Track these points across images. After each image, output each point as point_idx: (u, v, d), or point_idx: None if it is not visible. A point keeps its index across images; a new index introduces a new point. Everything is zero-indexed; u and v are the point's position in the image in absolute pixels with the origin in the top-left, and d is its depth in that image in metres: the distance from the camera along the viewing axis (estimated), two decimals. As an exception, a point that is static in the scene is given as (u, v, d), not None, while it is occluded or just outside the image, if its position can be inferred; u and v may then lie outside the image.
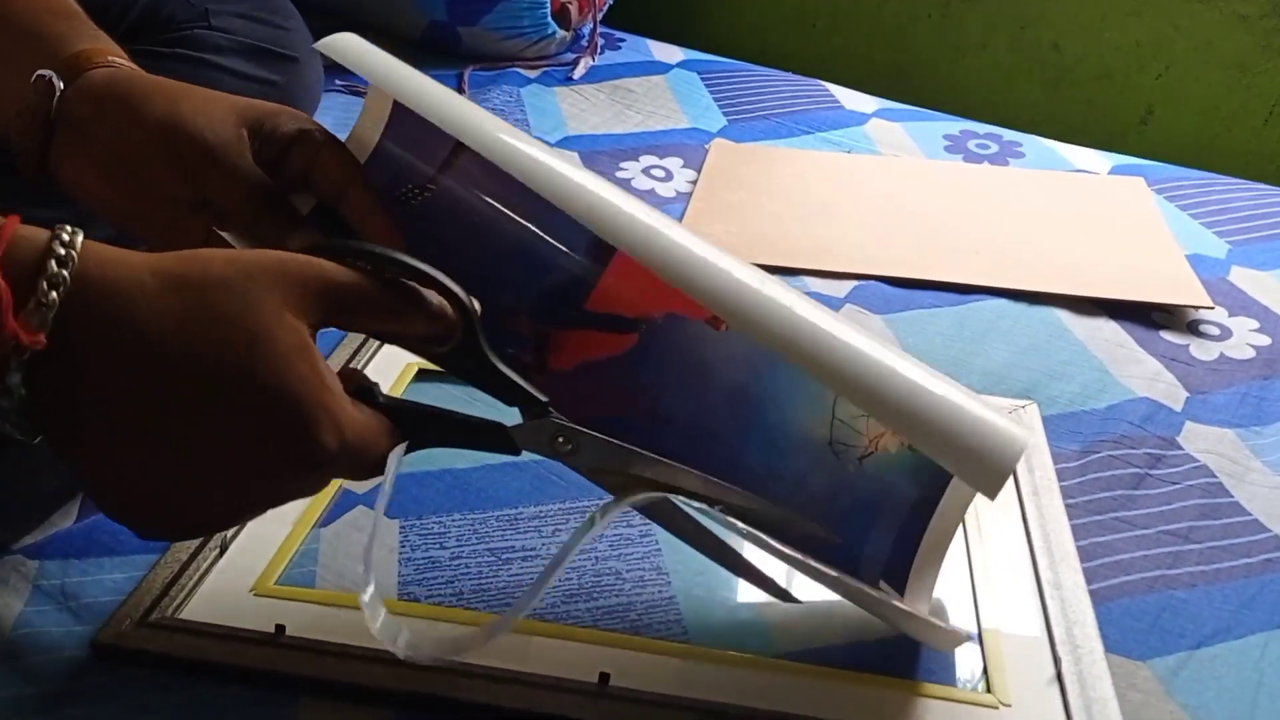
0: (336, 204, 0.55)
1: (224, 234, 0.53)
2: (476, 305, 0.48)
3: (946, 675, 0.54)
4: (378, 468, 0.46)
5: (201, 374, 0.40)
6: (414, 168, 0.58)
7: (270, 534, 0.60)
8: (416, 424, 0.48)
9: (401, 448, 0.47)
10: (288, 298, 0.42)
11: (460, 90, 1.26)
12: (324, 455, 0.42)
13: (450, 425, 0.49)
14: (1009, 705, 0.52)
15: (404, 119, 0.57)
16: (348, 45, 0.56)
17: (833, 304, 0.88)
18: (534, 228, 0.57)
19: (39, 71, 0.54)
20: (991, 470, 0.49)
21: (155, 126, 0.52)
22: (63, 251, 0.39)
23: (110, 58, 0.55)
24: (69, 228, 0.40)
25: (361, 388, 0.47)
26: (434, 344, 0.49)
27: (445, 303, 0.48)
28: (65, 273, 0.39)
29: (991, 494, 0.49)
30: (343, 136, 0.58)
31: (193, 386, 0.40)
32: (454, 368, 0.50)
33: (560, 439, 0.49)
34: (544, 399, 0.49)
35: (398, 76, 0.55)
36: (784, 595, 0.55)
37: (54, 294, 0.39)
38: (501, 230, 0.57)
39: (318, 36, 0.93)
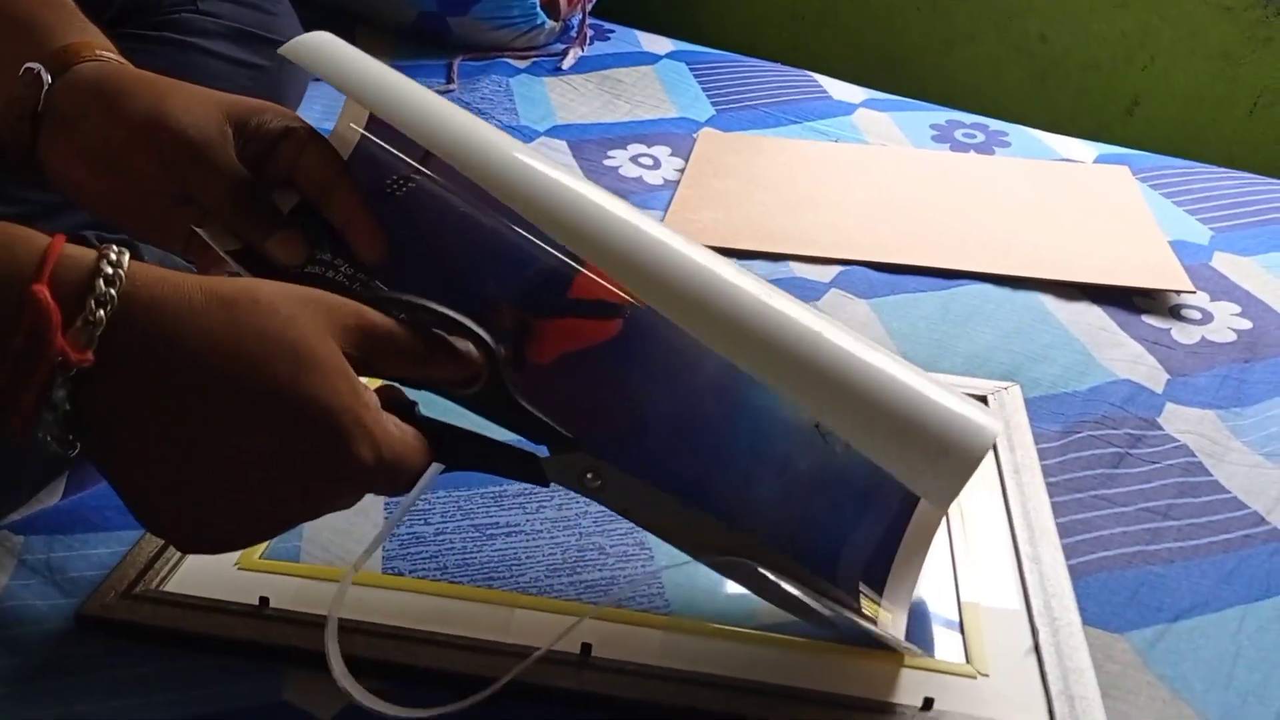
0: (320, 202, 0.55)
1: (201, 231, 0.54)
2: (501, 349, 0.49)
3: (926, 647, 0.55)
4: (413, 483, 0.47)
5: (246, 388, 0.41)
6: (396, 161, 0.58)
7: (255, 510, 0.60)
8: (452, 443, 0.48)
9: (436, 467, 0.47)
10: (331, 328, 0.43)
11: (449, 80, 1.26)
12: (361, 470, 0.43)
13: (484, 448, 0.50)
14: (986, 675, 0.53)
15: None
16: (313, 48, 0.56)
17: (818, 289, 0.89)
18: (516, 217, 0.57)
19: (27, 64, 0.54)
20: (944, 483, 0.49)
21: (140, 122, 0.53)
22: (110, 271, 0.40)
23: (99, 51, 0.56)
24: (116, 247, 0.41)
25: (401, 404, 0.47)
26: (459, 387, 0.49)
27: (471, 346, 0.48)
28: (113, 291, 0.40)
29: (942, 505, 0.49)
30: (331, 124, 0.58)
31: (237, 401, 0.41)
32: (480, 408, 0.50)
33: (589, 475, 0.50)
34: (570, 435, 0.50)
35: (360, 81, 0.55)
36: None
37: (101, 312, 0.39)
38: (483, 220, 0.57)
39: (308, 24, 0.94)
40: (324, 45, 0.57)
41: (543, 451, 0.50)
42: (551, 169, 0.54)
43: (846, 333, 0.52)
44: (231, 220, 0.54)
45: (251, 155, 0.55)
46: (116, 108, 0.53)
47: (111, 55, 0.56)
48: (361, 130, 0.58)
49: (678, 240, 0.53)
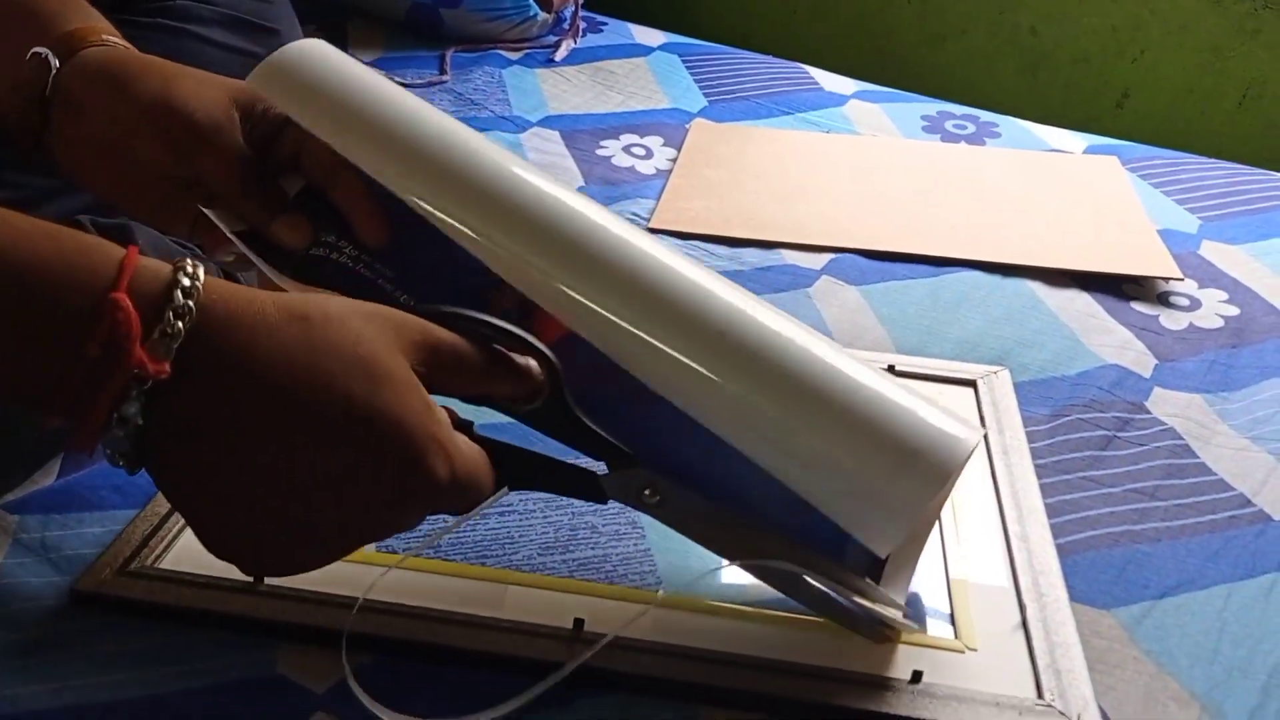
0: (325, 187, 0.55)
1: (209, 212, 0.54)
2: (559, 364, 0.49)
3: (917, 623, 0.55)
4: (480, 503, 0.46)
5: (321, 403, 0.40)
6: None
7: (250, 490, 0.61)
8: (513, 462, 0.48)
9: (504, 489, 0.47)
10: (400, 343, 0.43)
11: (442, 71, 1.26)
12: (435, 487, 0.43)
13: (545, 468, 0.50)
14: (975, 649, 0.54)
15: None
16: (284, 68, 0.56)
17: (809, 276, 0.89)
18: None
19: (34, 49, 0.54)
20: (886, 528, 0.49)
21: (147, 105, 0.53)
22: (188, 283, 0.40)
23: (105, 36, 0.56)
24: (191, 260, 0.40)
25: (460, 423, 0.47)
26: (521, 403, 0.49)
27: (533, 362, 0.49)
28: (191, 303, 0.39)
29: (881, 551, 0.49)
30: None
31: (312, 416, 0.40)
32: (540, 424, 0.51)
33: (647, 491, 0.50)
34: (629, 451, 0.50)
35: (320, 108, 0.55)
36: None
37: (180, 324, 0.39)
38: None
39: (302, 16, 0.94)
40: (295, 63, 0.56)
41: (601, 468, 0.51)
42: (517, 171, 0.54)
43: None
44: (238, 203, 0.54)
45: (258, 139, 0.55)
46: (124, 91, 0.54)
47: (117, 40, 0.57)
48: None
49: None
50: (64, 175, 0.56)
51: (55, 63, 0.54)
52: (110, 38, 0.56)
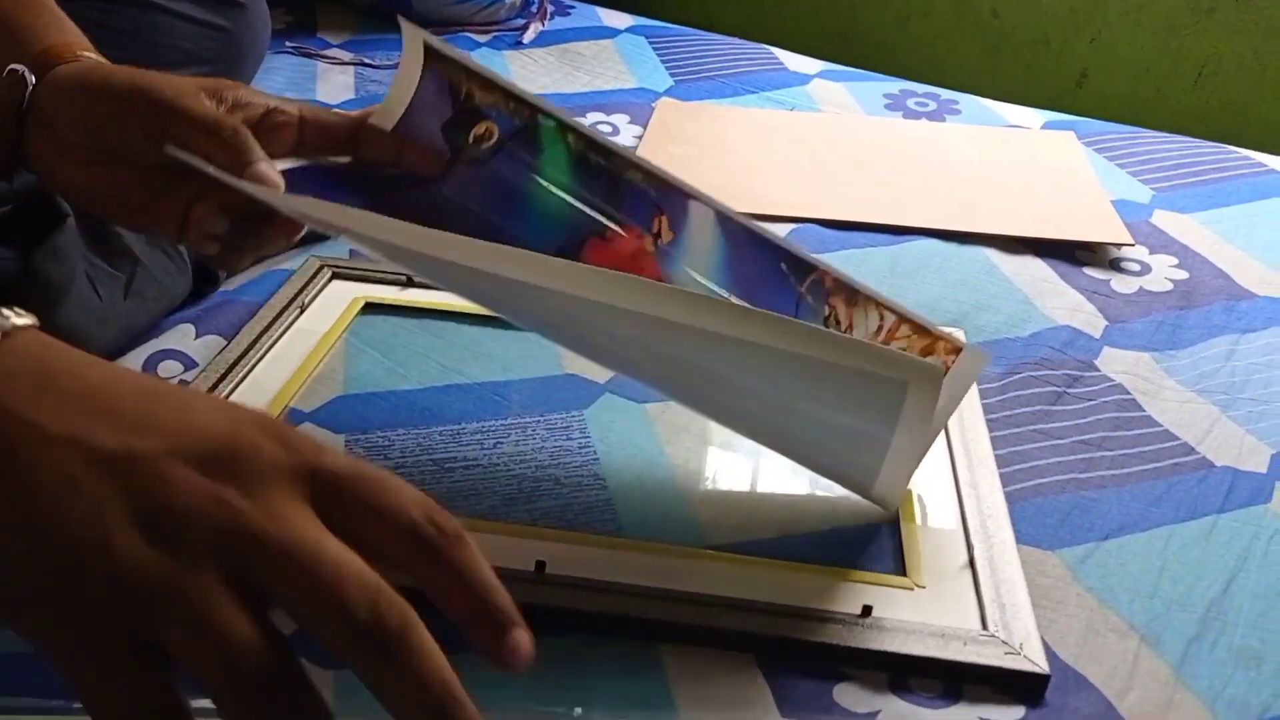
0: (352, 151, 0.59)
1: (175, 151, 0.54)
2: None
3: (867, 563, 0.57)
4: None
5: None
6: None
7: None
8: None
9: None
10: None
11: (411, 53, 1.28)
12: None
13: None
14: (923, 587, 0.56)
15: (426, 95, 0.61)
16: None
17: (771, 245, 0.91)
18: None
19: (10, 66, 0.56)
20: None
21: (121, 93, 0.55)
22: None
23: (80, 52, 0.58)
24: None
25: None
26: None
27: None
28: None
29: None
30: (293, 95, 0.61)
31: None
32: None
33: None
34: None
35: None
36: None
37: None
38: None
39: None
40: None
41: None
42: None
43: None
44: (217, 156, 0.54)
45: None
46: (97, 91, 0.55)
47: (92, 55, 0.58)
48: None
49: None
50: (52, 190, 0.57)
51: (31, 79, 0.56)
52: (85, 53, 0.58)
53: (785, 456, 0.62)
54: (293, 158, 0.59)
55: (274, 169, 0.55)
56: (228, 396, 0.66)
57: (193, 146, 0.54)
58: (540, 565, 0.54)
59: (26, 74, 0.56)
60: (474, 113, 0.62)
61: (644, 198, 0.62)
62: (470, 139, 0.62)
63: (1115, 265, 0.90)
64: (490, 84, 0.62)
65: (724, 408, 0.61)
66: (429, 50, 0.61)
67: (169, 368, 0.70)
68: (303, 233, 0.59)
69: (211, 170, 0.53)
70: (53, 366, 0.34)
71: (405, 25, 0.62)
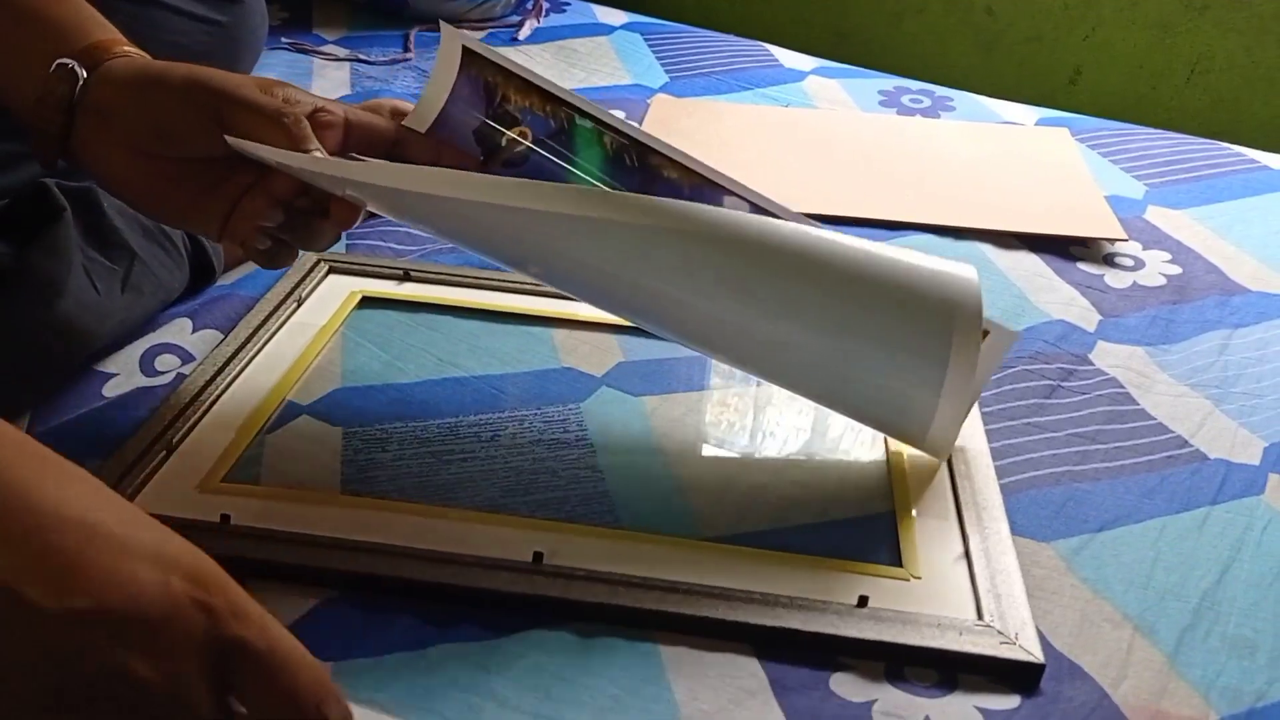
0: (393, 155, 0.61)
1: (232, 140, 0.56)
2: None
3: (863, 554, 0.57)
4: None
5: None
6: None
7: (214, 440, 0.62)
8: None
9: None
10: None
11: (406, 50, 1.28)
12: None
13: None
14: (919, 577, 0.56)
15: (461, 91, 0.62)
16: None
17: (767, 240, 0.91)
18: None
19: (60, 60, 0.57)
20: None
21: (180, 84, 0.57)
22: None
23: (125, 48, 0.59)
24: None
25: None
26: None
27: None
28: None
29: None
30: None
31: None
32: None
33: None
34: None
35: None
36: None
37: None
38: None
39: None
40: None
41: None
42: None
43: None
44: (273, 139, 0.56)
45: None
46: (156, 82, 0.57)
47: (135, 51, 0.60)
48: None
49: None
50: (97, 183, 0.59)
51: (82, 73, 0.57)
52: (129, 49, 0.59)
53: (834, 409, 0.63)
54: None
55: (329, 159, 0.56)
56: (225, 390, 0.66)
57: (253, 135, 0.56)
58: (538, 556, 0.54)
59: (77, 68, 0.57)
60: (508, 117, 0.62)
61: (678, 195, 0.62)
62: (505, 142, 0.63)
63: (1109, 260, 0.91)
64: (527, 86, 0.62)
65: (771, 363, 0.61)
66: (466, 52, 0.62)
67: (166, 361, 0.70)
68: (354, 224, 0.60)
69: (272, 152, 0.54)
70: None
71: (444, 27, 0.63)
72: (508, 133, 0.63)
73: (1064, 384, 0.75)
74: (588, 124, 0.62)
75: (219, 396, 0.66)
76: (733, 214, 0.55)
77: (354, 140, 0.61)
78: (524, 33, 1.34)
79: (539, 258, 0.59)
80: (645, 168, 0.62)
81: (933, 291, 0.54)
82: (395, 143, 0.62)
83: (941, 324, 0.54)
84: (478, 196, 0.53)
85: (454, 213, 0.55)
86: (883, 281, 0.54)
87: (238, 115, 0.56)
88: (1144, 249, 0.93)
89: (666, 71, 1.27)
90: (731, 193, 0.62)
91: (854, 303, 0.54)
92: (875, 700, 0.50)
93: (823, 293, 0.54)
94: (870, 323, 0.55)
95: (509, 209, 0.53)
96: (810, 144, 1.08)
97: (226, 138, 0.56)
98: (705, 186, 0.62)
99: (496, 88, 0.62)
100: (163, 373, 0.69)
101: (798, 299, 0.55)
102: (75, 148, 0.58)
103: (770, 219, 0.55)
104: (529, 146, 0.63)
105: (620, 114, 1.13)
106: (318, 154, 0.56)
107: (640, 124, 1.11)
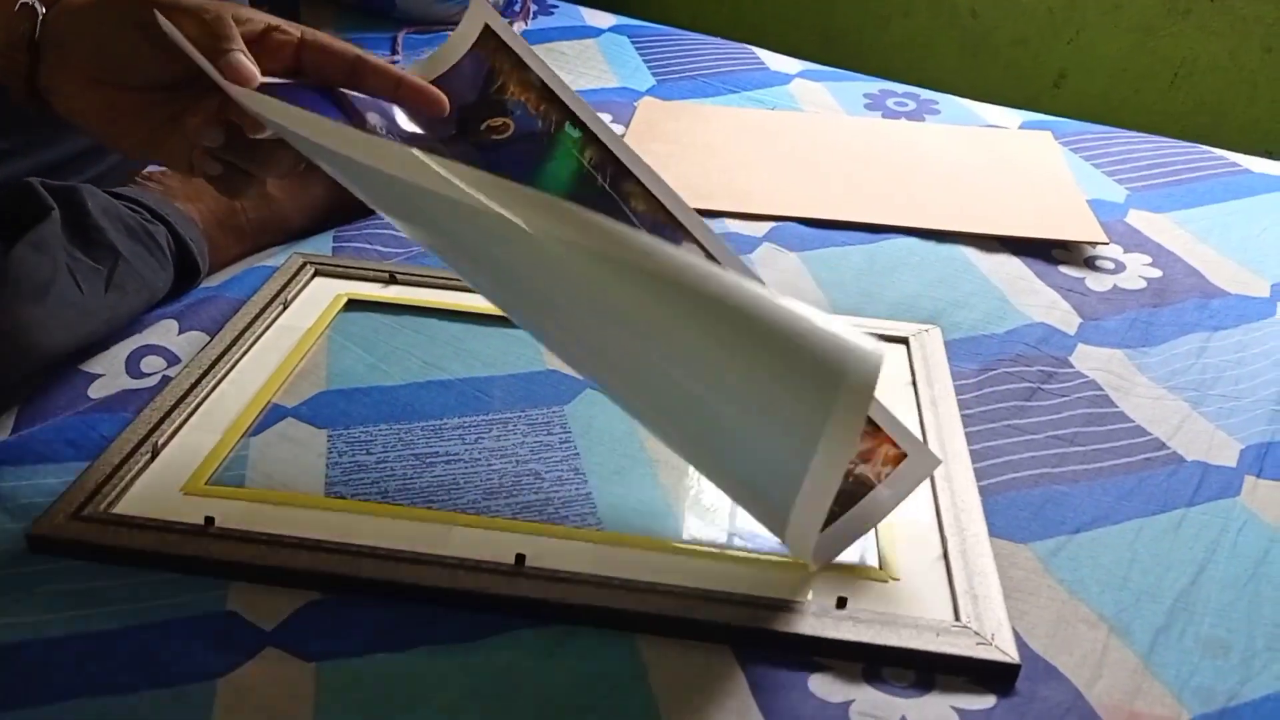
0: (352, 83, 0.59)
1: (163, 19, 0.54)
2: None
3: (843, 557, 0.58)
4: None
5: None
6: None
7: (199, 442, 0.63)
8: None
9: None
10: None
11: (394, 52, 1.28)
12: None
13: None
14: (898, 579, 0.56)
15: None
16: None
17: (751, 243, 0.92)
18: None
19: (21, 1, 0.56)
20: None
21: (128, 7, 0.55)
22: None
23: None
24: None
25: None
26: None
27: None
28: None
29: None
30: None
31: None
32: None
33: None
34: None
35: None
36: None
37: None
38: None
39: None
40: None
41: None
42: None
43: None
44: (200, 40, 0.54)
45: None
46: (105, 9, 0.56)
47: None
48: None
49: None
50: (61, 117, 0.58)
51: (41, 10, 0.56)
52: None
53: (697, 467, 0.58)
54: (291, 80, 0.59)
55: (250, 63, 0.54)
56: (211, 392, 0.67)
57: (197, 32, 0.54)
58: (520, 558, 0.55)
59: (36, 4, 0.56)
60: (497, 105, 0.62)
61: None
62: (482, 128, 0.62)
63: (1090, 264, 0.92)
64: (528, 81, 0.62)
65: (634, 392, 0.55)
66: (486, 30, 0.62)
67: (152, 363, 0.70)
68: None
69: (189, 48, 0.53)
70: None
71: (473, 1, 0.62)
72: (487, 122, 0.63)
73: (1044, 386, 0.75)
74: (576, 133, 0.62)
75: (204, 399, 0.66)
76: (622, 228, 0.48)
77: (310, 61, 0.59)
78: (511, 35, 1.35)
79: (412, 223, 0.57)
80: (613, 194, 0.62)
81: (828, 355, 0.45)
82: (353, 71, 0.59)
83: (822, 390, 0.45)
84: (348, 151, 0.50)
85: (342, 167, 0.53)
86: (775, 329, 0.46)
87: (170, 14, 0.54)
88: (1125, 252, 0.94)
89: (653, 74, 1.27)
90: (693, 238, 0.61)
91: (734, 340, 0.46)
92: (853, 700, 0.51)
93: (705, 322, 0.46)
94: (747, 368, 0.47)
95: (387, 175, 0.50)
96: (795, 147, 1.09)
97: (161, 19, 0.54)
98: (667, 226, 0.61)
99: (498, 74, 0.62)
100: (148, 374, 0.69)
101: (670, 326, 0.47)
102: (42, 87, 0.57)
103: (682, 252, 0.48)
104: (506, 138, 0.63)
105: (607, 117, 1.14)
106: (239, 55, 0.54)
107: (627, 127, 1.12)
